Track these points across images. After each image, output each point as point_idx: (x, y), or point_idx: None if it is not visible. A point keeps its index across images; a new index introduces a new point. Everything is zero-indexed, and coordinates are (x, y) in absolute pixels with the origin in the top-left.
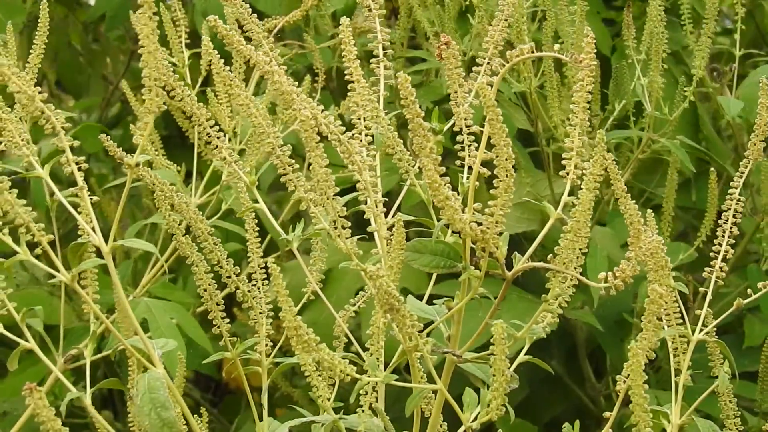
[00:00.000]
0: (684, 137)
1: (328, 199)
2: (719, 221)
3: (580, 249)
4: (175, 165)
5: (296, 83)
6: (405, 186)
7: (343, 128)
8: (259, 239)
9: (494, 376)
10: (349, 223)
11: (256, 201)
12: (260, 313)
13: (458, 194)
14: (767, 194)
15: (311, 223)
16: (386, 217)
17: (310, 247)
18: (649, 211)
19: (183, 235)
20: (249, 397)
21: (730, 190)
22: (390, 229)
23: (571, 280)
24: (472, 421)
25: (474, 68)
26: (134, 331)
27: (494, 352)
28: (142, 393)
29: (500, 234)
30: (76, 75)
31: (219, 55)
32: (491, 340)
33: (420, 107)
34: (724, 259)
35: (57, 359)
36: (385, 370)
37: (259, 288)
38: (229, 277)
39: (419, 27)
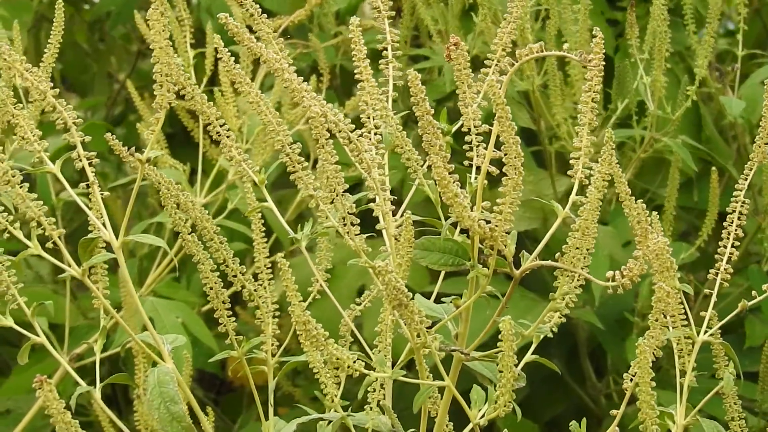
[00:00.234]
0: (686, 137)
1: (337, 196)
2: (722, 222)
3: (587, 248)
4: (179, 164)
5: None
6: (413, 185)
7: (353, 126)
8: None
9: (502, 372)
10: (359, 220)
11: (264, 200)
12: (266, 312)
13: (467, 193)
14: None
15: (315, 222)
16: (393, 215)
17: (310, 245)
18: (654, 213)
19: (189, 234)
20: (255, 396)
21: (735, 193)
22: (398, 227)
23: (578, 279)
24: (480, 418)
25: (483, 70)
26: (140, 328)
27: (502, 349)
28: (152, 387)
29: (509, 232)
30: (82, 74)
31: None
32: (500, 337)
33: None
34: (728, 261)
35: (62, 357)
36: (392, 368)
37: (265, 287)
38: (235, 276)
39: (422, 25)
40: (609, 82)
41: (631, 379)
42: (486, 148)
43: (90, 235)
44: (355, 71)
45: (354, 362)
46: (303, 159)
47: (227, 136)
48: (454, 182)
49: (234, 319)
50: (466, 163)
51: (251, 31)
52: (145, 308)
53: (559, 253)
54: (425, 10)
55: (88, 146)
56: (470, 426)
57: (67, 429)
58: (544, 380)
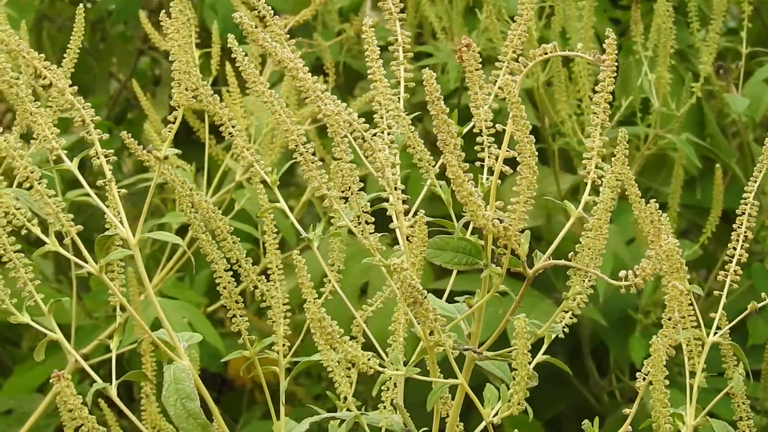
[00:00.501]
0: (689, 134)
1: (352, 194)
2: (724, 220)
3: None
4: (186, 164)
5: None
6: (418, 182)
7: (367, 126)
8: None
9: (516, 371)
10: (373, 219)
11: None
12: (278, 312)
13: (480, 192)
14: None
15: (316, 222)
16: (405, 214)
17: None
18: (664, 215)
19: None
20: (266, 396)
21: (744, 195)
22: (409, 226)
23: (590, 278)
24: (493, 416)
25: (494, 72)
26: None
27: (517, 348)
28: (168, 384)
29: (522, 231)
30: (83, 73)
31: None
32: (514, 335)
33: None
34: (737, 263)
35: (68, 357)
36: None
37: (277, 287)
38: (247, 276)
39: (426, 23)
40: (613, 80)
41: (644, 378)
42: (498, 148)
43: (107, 233)
44: (368, 72)
45: (368, 360)
46: (317, 159)
47: (240, 137)
48: (468, 181)
49: (247, 319)
50: (477, 164)
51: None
52: (150, 308)
53: (572, 253)
54: (429, 8)
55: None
56: (483, 424)
57: (85, 425)
58: (546, 378)
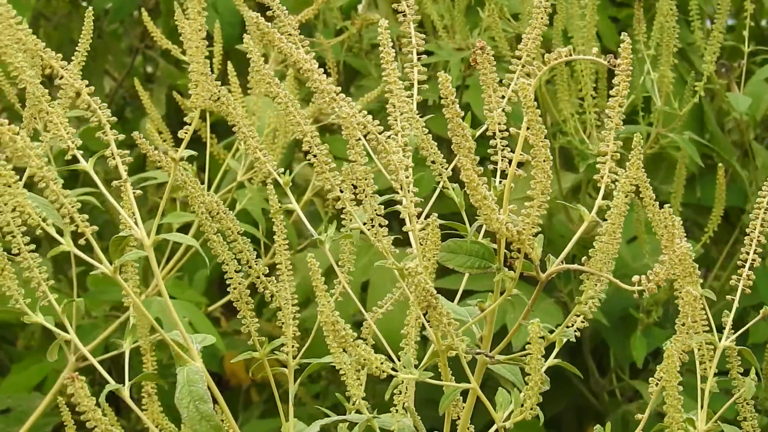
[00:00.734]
0: (690, 133)
1: (366, 197)
2: (724, 220)
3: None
4: (187, 164)
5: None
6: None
7: (381, 128)
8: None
9: (529, 375)
10: (387, 222)
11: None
12: (287, 313)
13: (493, 196)
14: None
15: (318, 222)
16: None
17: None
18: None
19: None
20: (276, 397)
21: (758, 199)
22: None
23: (602, 282)
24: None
25: (507, 75)
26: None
27: (530, 352)
28: (181, 386)
29: (536, 235)
30: (79, 71)
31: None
32: (528, 339)
33: (427, 102)
34: (750, 267)
35: (69, 357)
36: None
37: (286, 288)
38: (258, 277)
39: (427, 21)
40: (613, 78)
41: (657, 384)
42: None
43: (121, 233)
44: (383, 74)
45: (381, 364)
46: (330, 160)
47: (253, 138)
48: (482, 184)
49: (257, 321)
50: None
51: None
52: (154, 308)
53: (585, 258)
54: (431, 5)
55: (89, 145)
56: (494, 428)
57: (99, 427)
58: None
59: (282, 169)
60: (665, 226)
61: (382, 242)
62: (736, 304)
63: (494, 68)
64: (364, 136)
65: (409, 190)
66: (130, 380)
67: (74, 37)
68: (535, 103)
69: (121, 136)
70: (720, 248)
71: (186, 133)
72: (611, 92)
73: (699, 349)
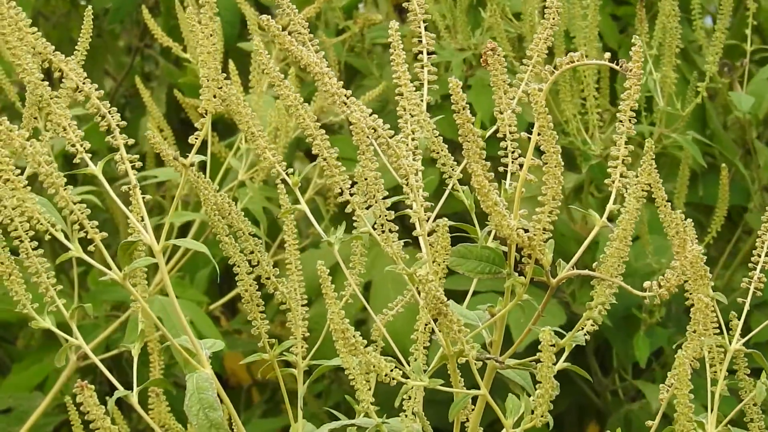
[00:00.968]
0: (693, 133)
1: (376, 202)
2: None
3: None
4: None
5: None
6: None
7: (392, 132)
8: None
9: (540, 383)
10: (397, 227)
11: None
12: (297, 314)
13: (504, 201)
14: None
15: (320, 221)
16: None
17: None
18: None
19: (226, 236)
20: (285, 400)
21: None
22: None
23: (612, 287)
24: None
25: (518, 75)
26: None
27: (541, 359)
28: (191, 393)
29: (546, 240)
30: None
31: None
32: (539, 348)
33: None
34: (761, 270)
35: (70, 356)
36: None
37: (296, 289)
38: (268, 278)
39: (429, 20)
40: (615, 78)
41: (667, 390)
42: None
43: (130, 238)
44: (393, 76)
45: (391, 371)
46: (340, 164)
47: (262, 137)
48: (493, 190)
49: (267, 323)
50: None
51: (261, 29)
52: (155, 307)
53: (595, 263)
54: (433, 5)
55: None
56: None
57: None
58: None
59: (291, 170)
60: (677, 231)
61: (392, 247)
62: (747, 307)
63: (505, 69)
64: (374, 139)
65: (419, 194)
66: (138, 385)
67: (73, 36)
68: (546, 109)
69: (130, 141)
70: (720, 246)
71: (197, 138)
72: (622, 96)
73: (709, 352)
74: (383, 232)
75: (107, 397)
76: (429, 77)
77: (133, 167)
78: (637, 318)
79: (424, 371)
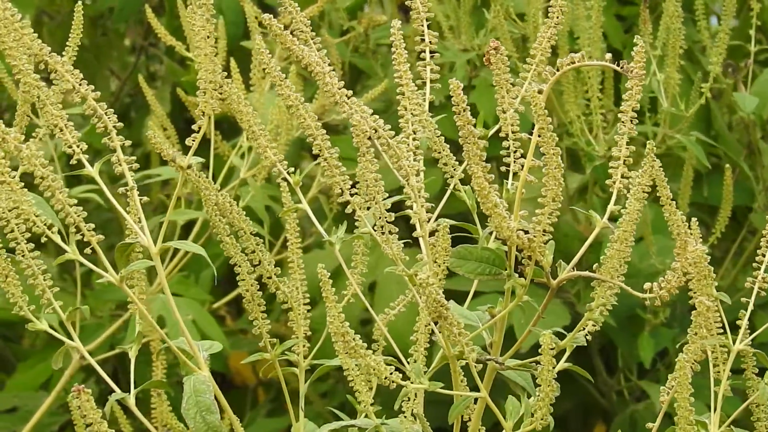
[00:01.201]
0: (697, 133)
1: (376, 203)
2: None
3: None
4: None
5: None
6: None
7: (393, 133)
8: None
9: (540, 386)
10: (397, 229)
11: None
12: (299, 314)
13: (505, 202)
14: None
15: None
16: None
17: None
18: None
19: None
20: (286, 397)
21: None
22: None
23: (613, 288)
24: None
25: (521, 74)
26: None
27: (541, 361)
28: (188, 396)
29: (546, 242)
30: (82, 70)
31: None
32: (540, 351)
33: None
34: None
35: (73, 355)
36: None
37: (298, 287)
38: (270, 277)
39: (432, 21)
40: (620, 78)
41: (668, 393)
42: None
43: (127, 240)
44: (395, 75)
45: (391, 374)
46: (341, 164)
47: (263, 136)
48: (494, 192)
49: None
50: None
51: (262, 27)
52: (156, 306)
53: (596, 264)
54: (437, 6)
55: (93, 142)
56: None
57: None
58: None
59: (292, 169)
60: (678, 232)
61: (392, 248)
62: (751, 306)
63: (508, 69)
64: (375, 139)
65: (420, 195)
66: (136, 387)
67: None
68: (546, 110)
69: (128, 142)
70: (725, 247)
71: (194, 140)
72: (624, 97)
73: (713, 352)
74: (383, 233)
75: (110, 396)
76: (432, 76)
77: (130, 168)
78: (641, 318)
79: (425, 372)
